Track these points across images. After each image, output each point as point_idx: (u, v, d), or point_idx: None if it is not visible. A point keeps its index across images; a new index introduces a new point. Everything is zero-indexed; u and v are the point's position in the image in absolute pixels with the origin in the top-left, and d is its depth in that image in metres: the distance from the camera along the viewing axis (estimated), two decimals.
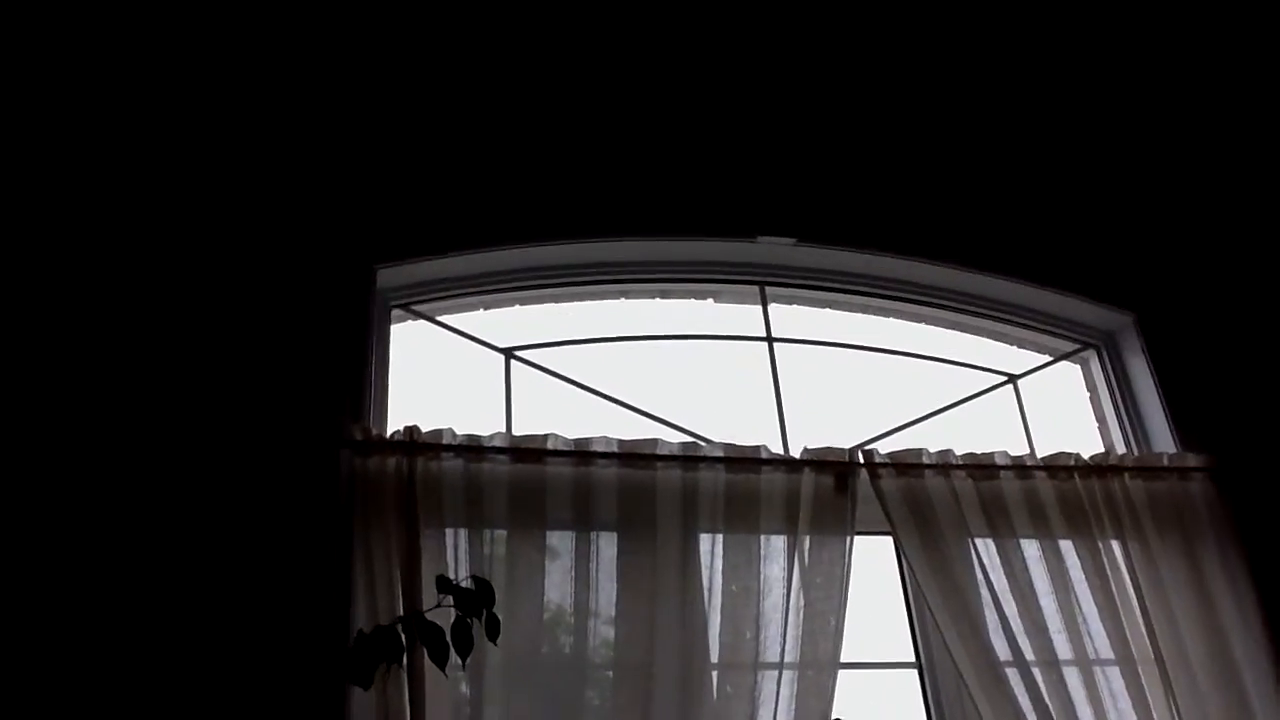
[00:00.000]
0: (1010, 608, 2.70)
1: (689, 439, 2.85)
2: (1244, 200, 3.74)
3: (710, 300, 3.39)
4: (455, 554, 2.50)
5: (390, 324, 2.97)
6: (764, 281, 3.37)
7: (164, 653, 2.27)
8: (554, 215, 3.12)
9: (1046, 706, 2.57)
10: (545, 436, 2.66)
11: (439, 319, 3.07)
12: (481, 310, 3.15)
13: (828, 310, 3.44)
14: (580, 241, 3.13)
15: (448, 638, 2.11)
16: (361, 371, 2.73)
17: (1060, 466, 2.94)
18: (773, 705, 2.46)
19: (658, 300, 3.34)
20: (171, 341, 2.65)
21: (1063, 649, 2.69)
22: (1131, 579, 2.84)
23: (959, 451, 2.91)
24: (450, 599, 2.14)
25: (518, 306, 3.19)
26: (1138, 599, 2.81)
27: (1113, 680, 2.69)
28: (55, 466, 2.42)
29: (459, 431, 2.62)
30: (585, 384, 3.04)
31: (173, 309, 2.69)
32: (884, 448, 2.90)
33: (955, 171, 3.57)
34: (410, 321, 3.05)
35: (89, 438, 2.47)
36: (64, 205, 2.77)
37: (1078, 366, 3.55)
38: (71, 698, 2.19)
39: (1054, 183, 3.64)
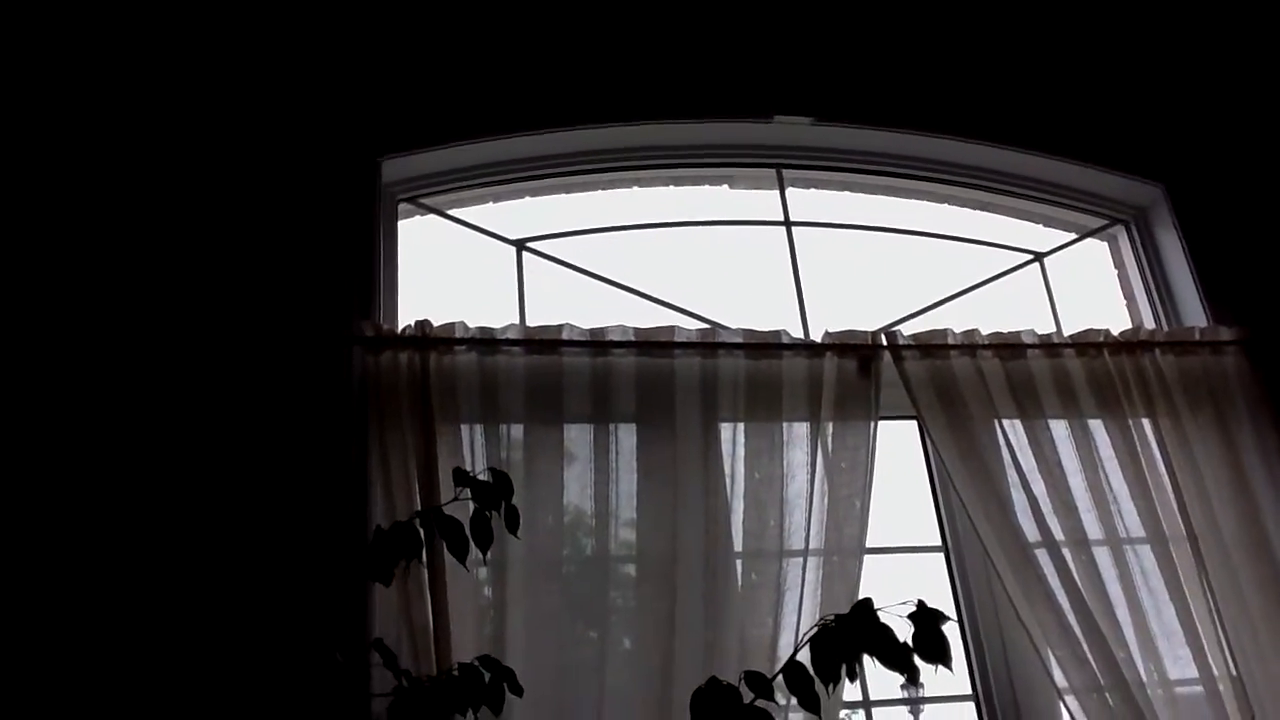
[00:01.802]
0: (1039, 488, 2.66)
1: (707, 326, 2.78)
2: (1274, 61, 3.58)
3: (725, 186, 3.30)
4: (472, 450, 2.47)
5: (398, 218, 2.90)
6: (780, 164, 3.27)
7: (184, 555, 2.26)
8: (563, 100, 3.02)
9: (1076, 585, 2.54)
10: (560, 327, 2.60)
11: (448, 212, 3.00)
12: (491, 202, 3.07)
13: (846, 193, 3.34)
14: (591, 127, 3.03)
15: (467, 531, 2.07)
16: (369, 267, 2.67)
17: (1089, 344, 2.87)
18: (798, 591, 2.43)
19: (671, 188, 3.26)
20: (174, 244, 2.59)
21: (1092, 528, 2.65)
22: (1163, 456, 2.78)
23: (985, 331, 2.83)
24: (468, 492, 2.10)
25: (528, 198, 3.12)
26: (1169, 476, 2.76)
27: (1144, 558, 2.64)
28: (66, 368, 2.39)
29: (472, 324, 2.56)
30: (599, 274, 2.97)
31: (173, 211, 2.63)
32: (908, 330, 2.83)
33: (977, 43, 3.43)
34: (418, 216, 2.97)
35: (100, 343, 2.44)
36: (64, 102, 2.69)
37: (1105, 244, 3.45)
38: (92, 598, 2.19)
39: (1079, 51, 3.49)
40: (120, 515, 2.27)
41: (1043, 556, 2.57)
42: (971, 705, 2.64)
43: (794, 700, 1.89)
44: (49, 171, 2.61)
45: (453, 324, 2.55)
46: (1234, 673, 2.55)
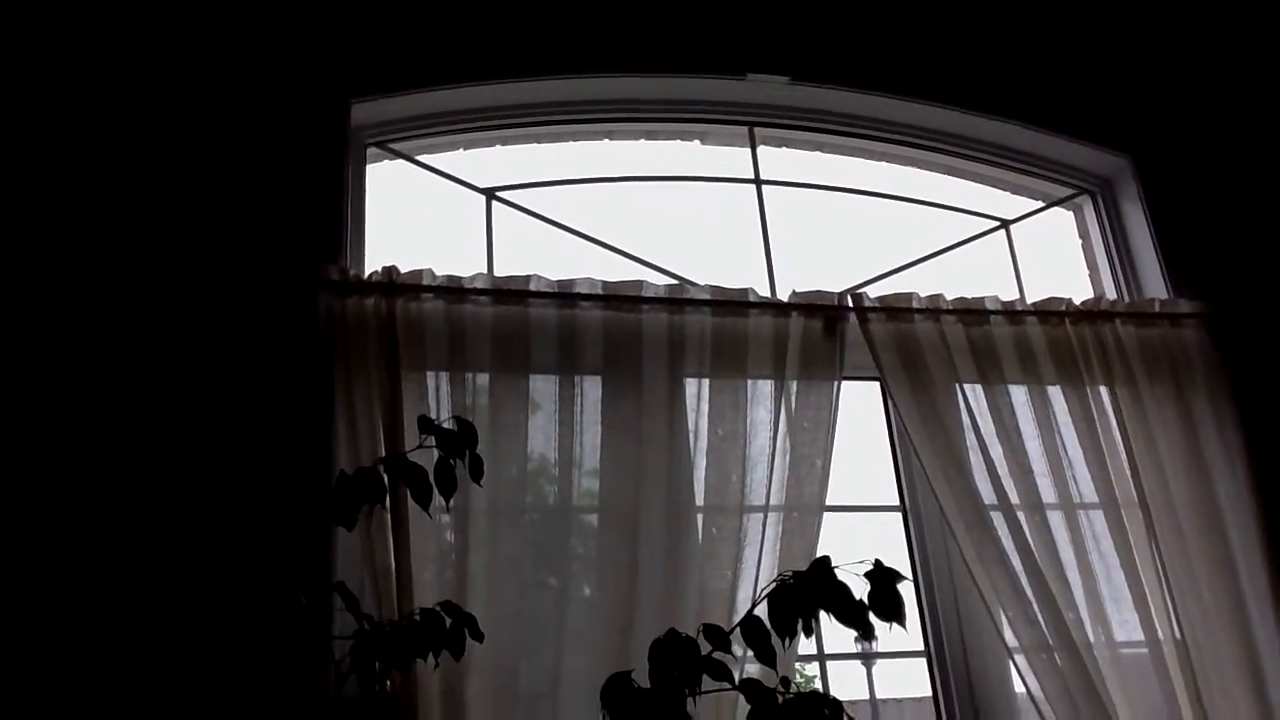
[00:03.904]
0: (996, 451, 2.70)
1: (675, 282, 2.79)
2: (1245, 37, 3.61)
3: (697, 142, 3.29)
4: (437, 398, 2.46)
5: (367, 163, 2.87)
6: (753, 122, 3.27)
7: (148, 497, 2.25)
8: (537, 49, 3.00)
9: (1029, 548, 2.59)
10: (528, 278, 2.60)
11: (418, 158, 2.97)
12: (462, 150, 3.05)
13: (818, 153, 3.35)
14: (564, 77, 3.01)
15: (430, 479, 2.08)
16: (337, 211, 2.65)
17: (1051, 312, 2.90)
18: (758, 547, 2.46)
19: (643, 142, 3.25)
20: (139, 185, 2.54)
21: (1047, 492, 2.70)
22: (1119, 425, 2.83)
23: (950, 296, 2.86)
24: (432, 440, 2.11)
25: (499, 147, 3.10)
26: (1124, 445, 2.81)
27: (1096, 523, 2.70)
28: (27, 310, 2.36)
29: (439, 272, 2.55)
30: (569, 226, 2.96)
31: (138, 151, 2.58)
32: (874, 292, 2.85)
33: (953, 8, 3.43)
34: (388, 161, 2.94)
35: (60, 284, 2.40)
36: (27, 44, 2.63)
37: (1071, 213, 3.49)
38: (55, 538, 2.18)
39: (1052, 19, 3.50)
40: (82, 460, 2.26)
41: (998, 519, 2.61)
42: (923, 661, 2.69)
43: (750, 653, 1.93)
44: (8, 114, 2.56)
45: (420, 271, 2.53)
46: (1178, 637, 2.61)
